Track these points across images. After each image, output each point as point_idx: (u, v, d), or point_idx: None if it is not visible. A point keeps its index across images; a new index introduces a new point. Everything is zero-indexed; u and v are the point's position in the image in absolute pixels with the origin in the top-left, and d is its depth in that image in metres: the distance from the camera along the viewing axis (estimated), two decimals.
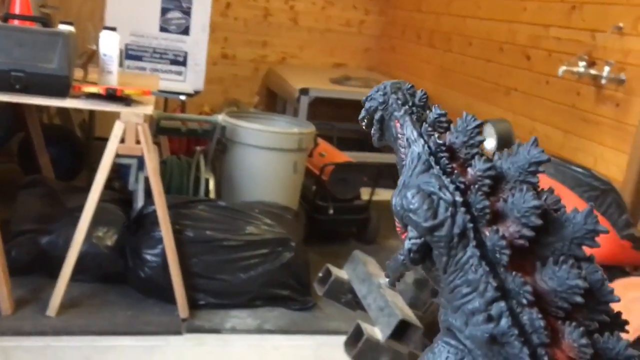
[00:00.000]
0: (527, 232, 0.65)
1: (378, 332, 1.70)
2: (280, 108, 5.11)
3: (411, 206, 0.72)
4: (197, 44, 3.44)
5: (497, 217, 0.68)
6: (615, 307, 0.65)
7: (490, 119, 2.25)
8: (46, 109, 3.91)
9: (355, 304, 1.97)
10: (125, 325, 2.45)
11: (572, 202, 1.90)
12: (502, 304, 0.64)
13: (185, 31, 3.38)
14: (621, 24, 2.72)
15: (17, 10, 2.49)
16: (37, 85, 2.26)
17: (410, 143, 0.78)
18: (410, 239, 0.74)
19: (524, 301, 0.63)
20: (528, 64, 3.39)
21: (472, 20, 3.93)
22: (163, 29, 3.34)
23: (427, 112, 0.81)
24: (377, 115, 0.83)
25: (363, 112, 0.86)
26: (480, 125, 0.77)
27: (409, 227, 0.72)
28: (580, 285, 0.61)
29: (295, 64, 5.30)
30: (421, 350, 1.88)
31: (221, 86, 5.13)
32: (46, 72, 2.25)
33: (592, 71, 2.82)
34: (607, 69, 2.74)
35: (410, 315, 1.74)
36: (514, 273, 0.64)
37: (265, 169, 3.08)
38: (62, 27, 2.48)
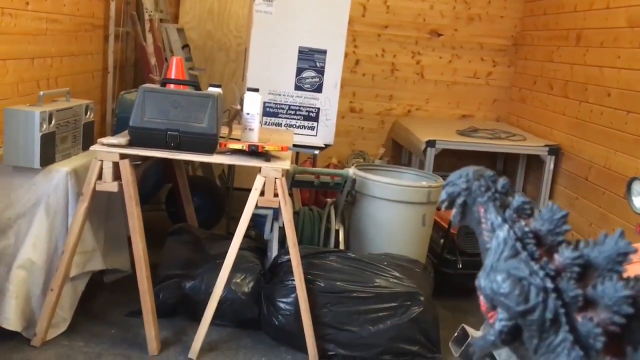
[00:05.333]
0: (619, 320, 0.70)
1: None
2: (405, 159, 5.15)
3: (502, 290, 0.78)
4: (328, 100, 3.59)
5: (587, 303, 0.73)
6: None
7: (637, 176, 2.13)
8: (191, 162, 4.24)
9: None
10: None
11: None
12: None
13: (319, 88, 3.56)
14: None
15: (173, 75, 2.77)
16: (188, 143, 2.48)
17: (495, 227, 0.83)
18: (500, 320, 0.81)
19: None
20: None
21: (610, 70, 3.77)
22: (298, 87, 3.54)
23: (509, 198, 0.87)
24: (459, 200, 0.91)
25: (444, 196, 0.94)
26: (565, 216, 0.86)
27: (499, 309, 0.77)
28: None
29: (420, 116, 5.34)
30: None
31: (348, 138, 5.29)
32: (197, 130, 2.47)
33: None
34: None
35: None
36: (607, 358, 0.70)
37: (394, 221, 3.12)
38: (212, 89, 2.71)
